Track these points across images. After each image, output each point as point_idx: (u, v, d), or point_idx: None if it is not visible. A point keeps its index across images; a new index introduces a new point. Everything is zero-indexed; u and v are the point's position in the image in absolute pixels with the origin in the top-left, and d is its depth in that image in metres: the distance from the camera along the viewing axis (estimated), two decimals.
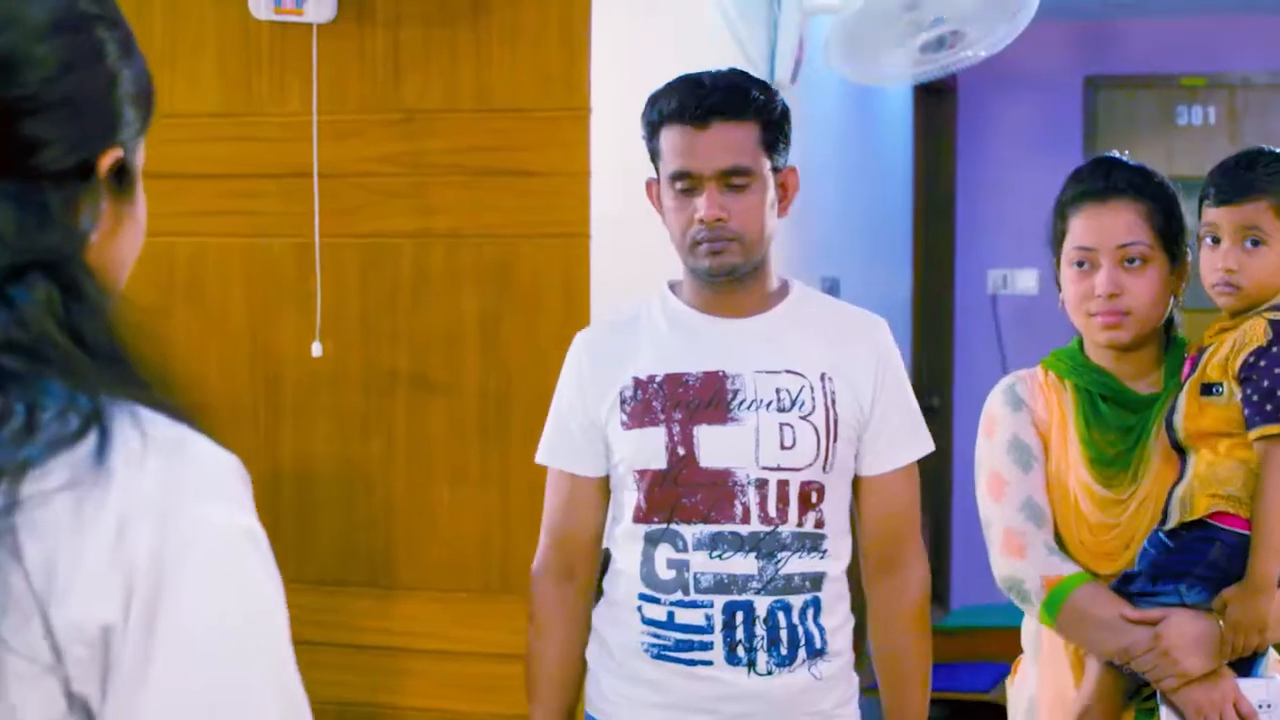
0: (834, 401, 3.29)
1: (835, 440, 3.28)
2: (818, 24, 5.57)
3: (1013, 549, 3.32)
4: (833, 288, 6.47)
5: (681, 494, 3.27)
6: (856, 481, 3.38)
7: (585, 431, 3.39)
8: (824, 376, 3.30)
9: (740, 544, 3.25)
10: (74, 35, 1.48)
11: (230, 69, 4.41)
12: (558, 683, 3.47)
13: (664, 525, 3.29)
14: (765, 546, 3.25)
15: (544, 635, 3.47)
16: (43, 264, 1.41)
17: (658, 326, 3.38)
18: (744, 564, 3.25)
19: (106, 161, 1.50)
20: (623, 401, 3.33)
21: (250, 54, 4.39)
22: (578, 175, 4.14)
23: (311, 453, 4.38)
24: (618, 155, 4.24)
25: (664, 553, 3.30)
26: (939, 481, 8.43)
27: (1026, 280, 9.08)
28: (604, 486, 3.42)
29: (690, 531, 3.27)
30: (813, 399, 3.28)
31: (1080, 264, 3.32)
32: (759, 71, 5.22)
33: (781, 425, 3.26)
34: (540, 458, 3.49)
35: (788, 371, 3.30)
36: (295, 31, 4.32)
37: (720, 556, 3.26)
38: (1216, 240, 3.24)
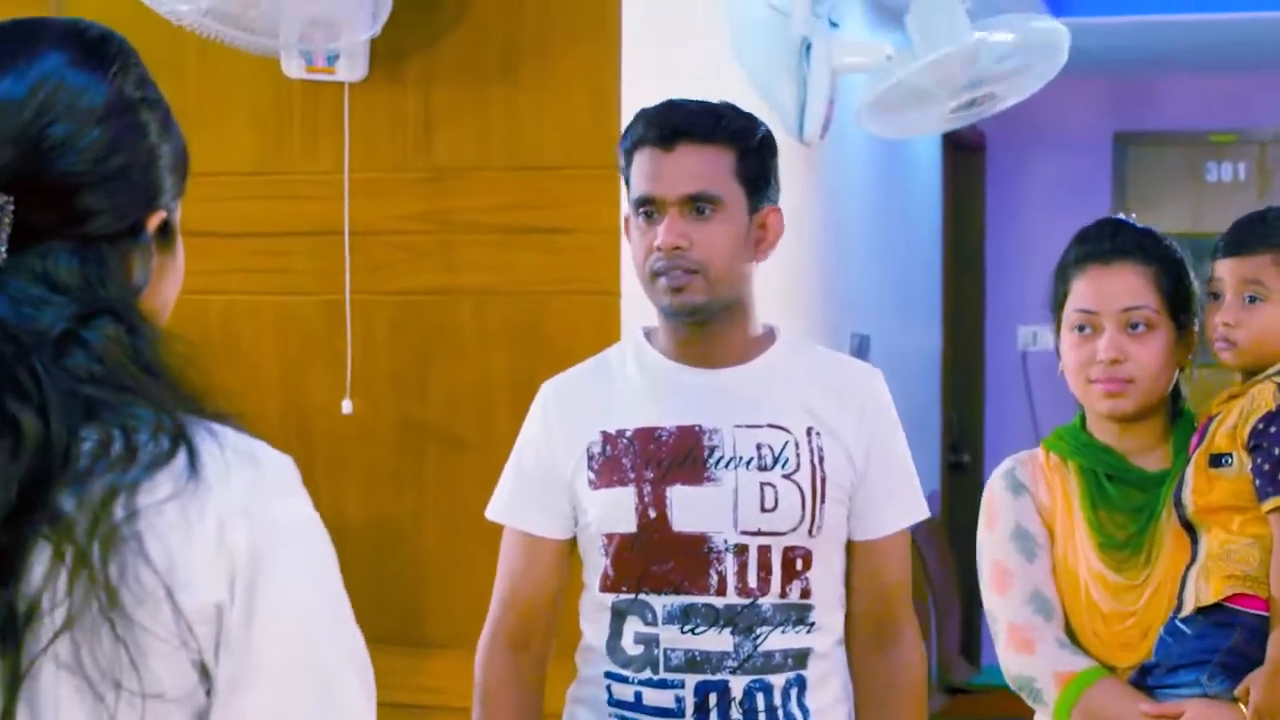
0: (821, 459, 2.99)
1: (823, 501, 2.98)
2: (847, 81, 5.58)
3: (1021, 645, 3.11)
4: (863, 344, 6.47)
5: (652, 561, 2.97)
6: (849, 547, 3.08)
7: (548, 488, 3.08)
8: (810, 431, 3.00)
9: (715, 618, 2.94)
10: (121, 119, 1.74)
11: (262, 128, 4.43)
12: None
13: (632, 595, 2.99)
14: (743, 621, 2.94)
15: (491, 708, 3.14)
16: (108, 310, 1.67)
17: (630, 376, 3.09)
18: (718, 640, 2.94)
19: (153, 223, 1.77)
20: (590, 458, 3.03)
21: (282, 113, 4.42)
22: (608, 232, 4.15)
23: (342, 509, 4.39)
24: None
25: (632, 625, 2.99)
26: (969, 536, 8.39)
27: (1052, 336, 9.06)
28: (564, 550, 3.12)
29: (660, 603, 2.96)
30: (797, 456, 2.98)
31: (1081, 328, 3.16)
32: (788, 128, 5.23)
33: (763, 485, 2.96)
34: (493, 513, 3.19)
35: (770, 426, 3.00)
36: (327, 90, 4.35)
37: (693, 631, 2.95)
38: (1218, 295, 3.12)
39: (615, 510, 2.99)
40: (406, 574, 4.35)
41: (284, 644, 1.67)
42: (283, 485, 1.75)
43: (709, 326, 3.02)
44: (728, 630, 2.95)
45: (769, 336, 3.12)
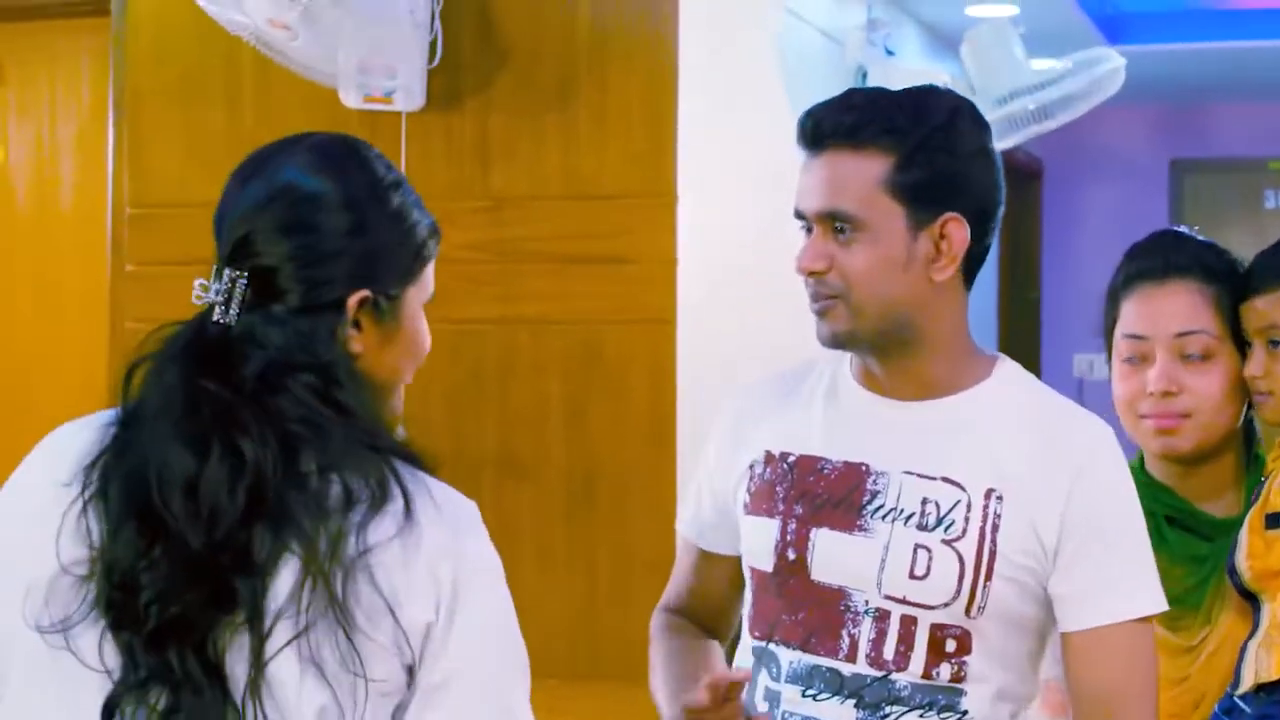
0: (995, 528, 2.48)
1: (989, 579, 2.47)
2: None
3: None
4: None
5: (784, 608, 2.57)
6: (1063, 640, 2.55)
7: (718, 502, 2.72)
8: (990, 494, 2.49)
9: (839, 685, 2.52)
10: (328, 217, 2.11)
11: None
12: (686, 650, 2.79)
13: (764, 643, 2.60)
14: (870, 695, 2.50)
15: (654, 644, 2.85)
16: (308, 367, 2.04)
17: (815, 396, 2.66)
18: (840, 711, 2.52)
19: (353, 301, 2.09)
20: (750, 478, 2.65)
21: None
22: (665, 261, 4.15)
23: None
24: (705, 241, 4.25)
25: (762, 679, 2.61)
26: None
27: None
28: (738, 566, 2.72)
29: (787, 657, 2.57)
30: (966, 520, 2.48)
31: (1130, 357, 2.80)
32: None
33: (917, 547, 2.49)
34: (677, 521, 2.86)
35: (944, 480, 2.51)
36: (384, 120, 4.36)
37: (814, 697, 2.54)
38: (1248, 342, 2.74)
39: (758, 542, 2.62)
40: None
41: (473, 655, 2.06)
42: (474, 528, 2.12)
43: (883, 356, 2.57)
44: (851, 703, 2.52)
45: (984, 368, 2.61)
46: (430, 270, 2.23)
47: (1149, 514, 2.63)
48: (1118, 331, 2.83)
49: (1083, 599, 2.48)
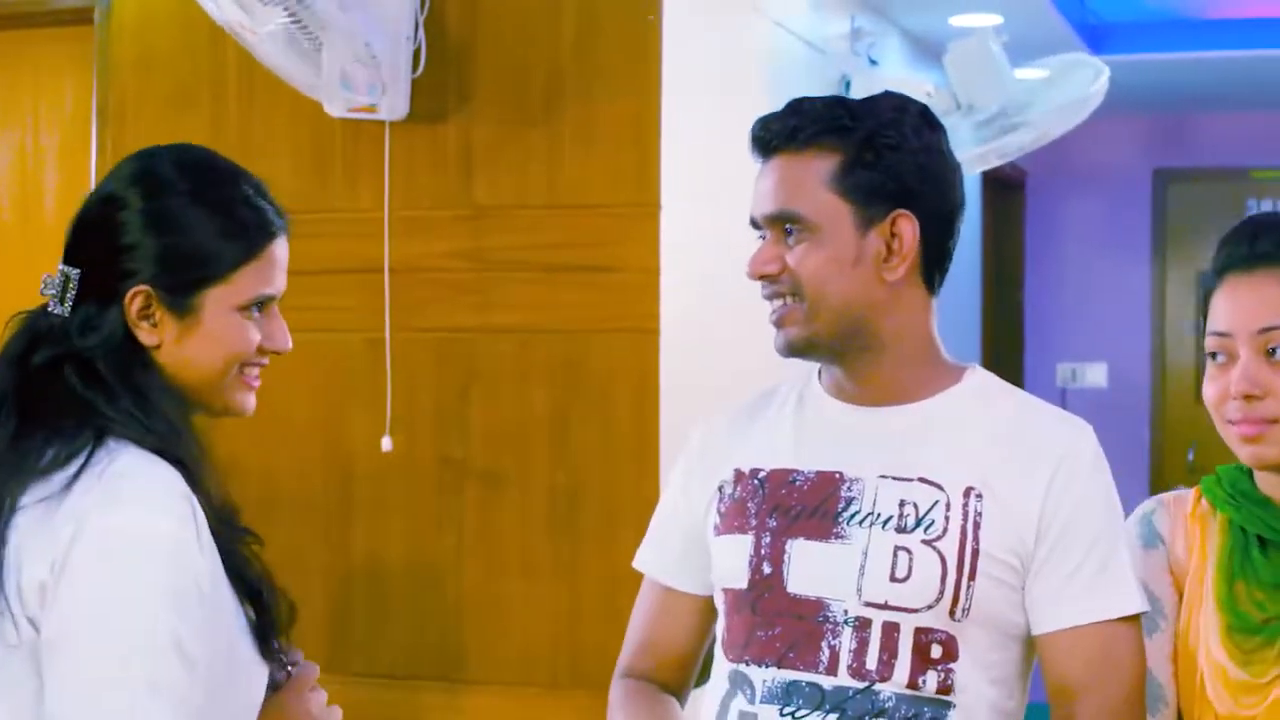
0: (976, 526, 2.41)
1: (972, 578, 2.40)
2: None
3: None
4: None
5: (758, 625, 2.48)
6: (1036, 645, 2.49)
7: (687, 535, 2.65)
8: (969, 492, 2.43)
9: (819, 700, 2.42)
10: (100, 214, 2.29)
11: (304, 165, 4.45)
12: None
13: (736, 665, 2.51)
14: (853, 709, 2.40)
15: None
16: (73, 355, 2.23)
17: (786, 411, 2.62)
18: None
19: (129, 296, 2.23)
20: (720, 498, 2.59)
21: (323, 151, 4.44)
22: (648, 271, 4.15)
23: (382, 546, 4.40)
24: (688, 251, 4.26)
25: (737, 703, 2.50)
26: None
27: (1096, 374, 9.05)
28: (708, 608, 2.65)
29: (760, 677, 2.47)
30: (946, 520, 2.42)
31: (1215, 355, 2.48)
32: None
33: (896, 549, 2.42)
34: (635, 560, 2.78)
35: (921, 480, 2.45)
36: (368, 129, 4.36)
37: (793, 714, 2.44)
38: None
39: (731, 561, 2.53)
40: (446, 611, 4.35)
41: (81, 619, 2.08)
42: (136, 501, 2.13)
43: (847, 364, 2.54)
44: (834, 717, 2.41)
45: (954, 375, 2.58)
46: (254, 270, 2.31)
47: (1240, 531, 2.48)
48: (1208, 327, 2.51)
49: (1054, 599, 2.42)
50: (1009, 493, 2.44)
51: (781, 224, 2.49)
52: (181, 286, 2.25)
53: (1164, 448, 9.01)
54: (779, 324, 2.51)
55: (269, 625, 2.29)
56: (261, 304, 2.34)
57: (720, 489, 2.59)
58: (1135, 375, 9.05)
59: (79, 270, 2.26)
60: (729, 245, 4.56)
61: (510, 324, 4.30)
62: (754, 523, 2.52)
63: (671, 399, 4.17)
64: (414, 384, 4.38)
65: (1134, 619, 2.46)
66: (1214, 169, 9.35)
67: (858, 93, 5.34)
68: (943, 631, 2.41)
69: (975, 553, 2.41)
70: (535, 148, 4.28)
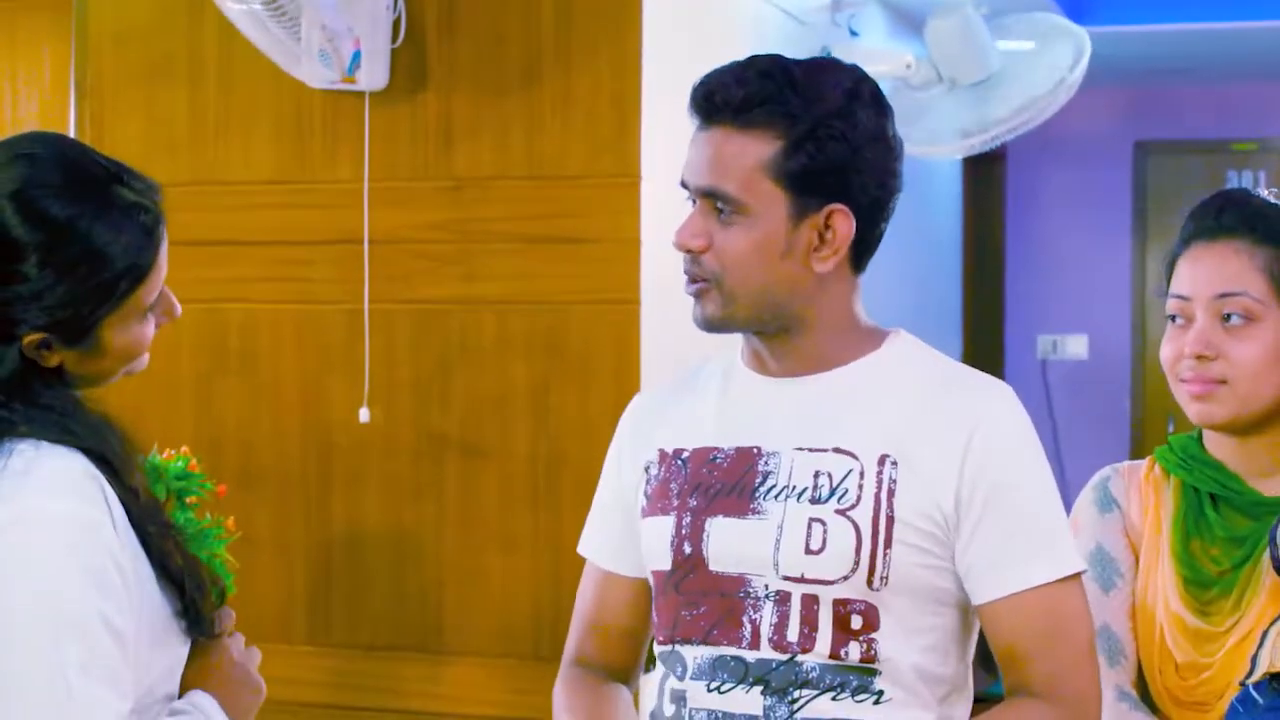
0: (890, 494, 2.37)
1: (888, 546, 2.36)
2: None
3: None
4: None
5: (683, 604, 2.46)
6: (979, 615, 2.44)
7: (624, 518, 2.62)
8: (884, 460, 2.39)
9: (743, 674, 2.40)
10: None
11: (283, 137, 4.44)
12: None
13: (669, 646, 2.49)
14: (776, 681, 2.38)
15: (558, 707, 2.68)
16: None
17: (709, 388, 2.57)
18: (745, 701, 2.40)
19: (26, 344, 2.18)
20: (647, 480, 2.56)
21: (303, 122, 4.43)
22: (628, 242, 4.15)
23: (362, 518, 4.39)
24: (668, 222, 4.22)
25: (669, 682, 2.49)
26: None
27: (1076, 346, 9.05)
28: (642, 589, 2.63)
29: (691, 655, 2.45)
30: (860, 488, 2.38)
31: (1173, 318, 2.64)
32: None
33: (810, 521, 2.38)
34: (579, 545, 2.76)
35: (835, 450, 2.41)
36: (347, 100, 4.35)
37: (719, 690, 2.42)
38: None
39: (656, 542, 2.50)
40: (425, 582, 4.35)
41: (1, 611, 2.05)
42: (39, 487, 2.10)
43: (765, 337, 2.49)
44: (758, 690, 2.39)
45: (874, 341, 2.51)
46: (147, 283, 2.23)
47: (1192, 491, 2.63)
48: (1170, 290, 2.66)
49: (988, 569, 2.37)
50: (924, 459, 2.38)
51: (713, 200, 2.41)
52: (79, 330, 2.21)
53: (1144, 418, 9.02)
54: (695, 298, 2.46)
55: (193, 612, 2.25)
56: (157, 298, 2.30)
57: (646, 470, 2.57)
58: (1116, 347, 9.07)
59: None
60: None
61: (490, 295, 4.30)
62: (675, 503, 2.48)
63: (652, 370, 4.17)
64: (393, 356, 4.37)
65: (1075, 578, 2.40)
66: (1194, 141, 9.35)
67: None
68: (861, 601, 2.37)
69: (890, 520, 2.36)
70: (515, 119, 4.28)
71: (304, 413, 4.44)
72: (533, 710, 4.24)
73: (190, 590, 2.24)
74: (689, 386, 2.61)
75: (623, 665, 2.67)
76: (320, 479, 4.44)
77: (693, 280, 2.45)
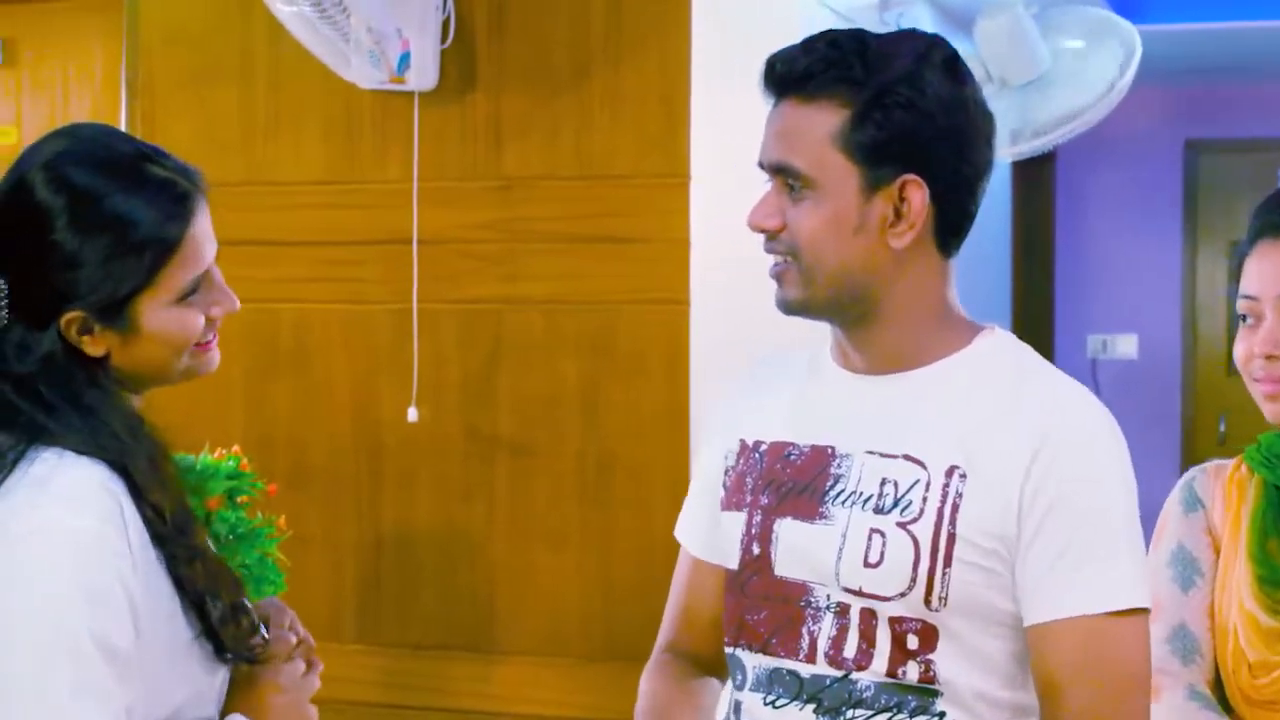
0: (955, 509, 2.22)
1: (947, 565, 2.21)
2: None
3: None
4: None
5: (747, 608, 2.36)
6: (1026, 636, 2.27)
7: (710, 504, 2.50)
8: (952, 471, 2.23)
9: (797, 689, 2.30)
10: (26, 233, 2.18)
11: (333, 137, 4.45)
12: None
13: (731, 649, 2.39)
14: (829, 699, 2.27)
15: (642, 703, 2.56)
16: (7, 374, 2.18)
17: (796, 377, 2.46)
18: (799, 717, 2.30)
19: (64, 323, 2.18)
20: (727, 471, 2.46)
21: (353, 123, 4.44)
22: (678, 242, 4.15)
23: (411, 518, 4.40)
24: (718, 222, 4.25)
25: (729, 690, 2.42)
26: None
27: (1126, 345, 9.02)
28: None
29: (750, 663, 2.36)
30: (923, 501, 2.23)
31: (1244, 317, 2.57)
32: None
33: (871, 532, 2.25)
34: (676, 528, 2.63)
35: (905, 457, 2.27)
36: (397, 101, 4.36)
37: (774, 705, 2.32)
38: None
39: (728, 539, 2.40)
40: (475, 581, 4.36)
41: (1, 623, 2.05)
42: (55, 498, 2.10)
43: (846, 327, 2.37)
44: (811, 708, 2.29)
45: (964, 338, 2.36)
46: (179, 261, 2.22)
47: (1275, 490, 2.55)
48: (1239, 291, 2.58)
49: (1035, 589, 2.20)
50: (992, 471, 2.22)
51: (784, 177, 2.29)
52: (112, 306, 2.19)
53: (1195, 419, 8.98)
54: (777, 281, 2.34)
55: (214, 635, 2.22)
56: (196, 282, 2.27)
57: (727, 458, 2.46)
58: (1166, 347, 9.03)
59: (5, 282, 2.21)
60: None
61: (539, 295, 4.30)
62: (749, 499, 2.37)
63: (702, 369, 4.17)
64: (442, 355, 4.38)
65: (1131, 614, 2.20)
66: (1245, 140, 9.30)
67: None
68: (918, 620, 2.23)
69: (951, 537, 2.21)
70: (564, 118, 4.28)
71: (353, 412, 4.45)
72: (582, 709, 4.24)
73: (211, 614, 2.21)
74: (778, 375, 2.50)
75: (712, 655, 2.52)
76: (370, 478, 4.44)
77: (772, 258, 2.34)
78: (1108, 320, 9.10)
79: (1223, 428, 8.78)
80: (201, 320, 2.27)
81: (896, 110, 2.24)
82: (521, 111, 4.31)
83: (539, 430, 4.30)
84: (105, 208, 2.18)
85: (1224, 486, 2.63)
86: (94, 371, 2.22)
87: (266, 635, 2.36)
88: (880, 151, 2.25)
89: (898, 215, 2.27)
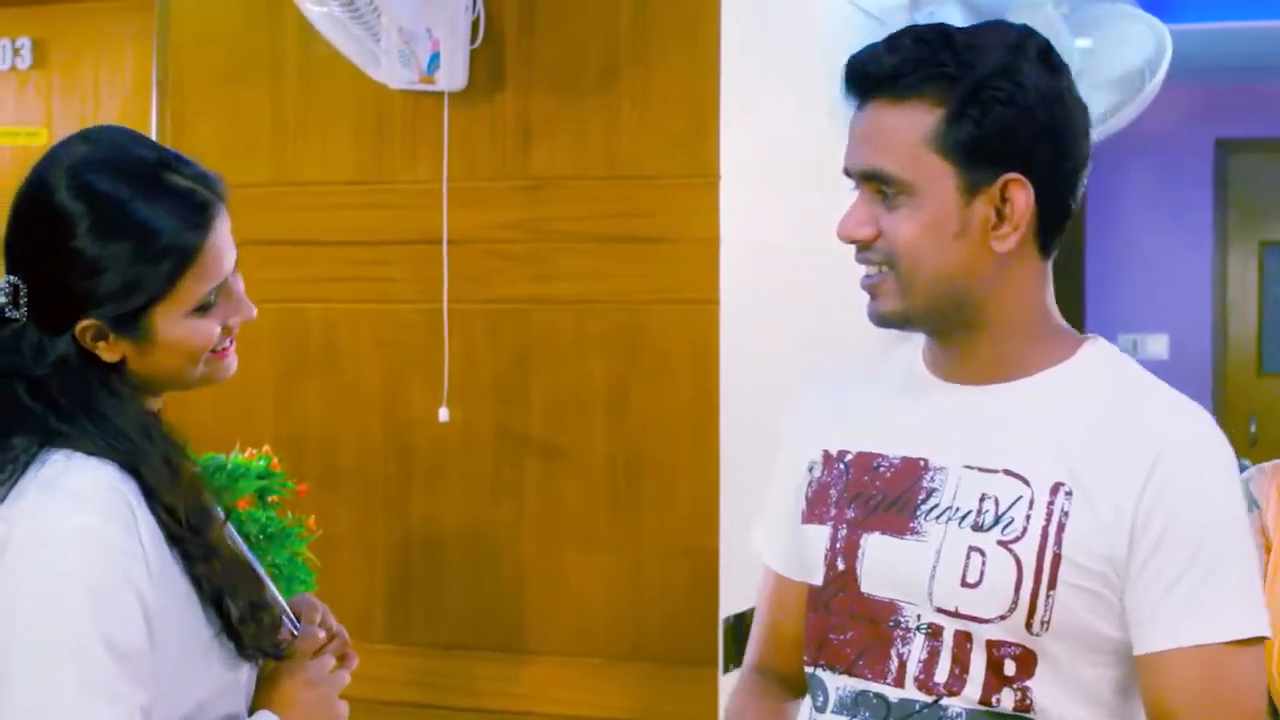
0: (1061, 528, 2.12)
1: (1052, 587, 2.11)
2: None
3: None
4: None
5: (831, 627, 2.26)
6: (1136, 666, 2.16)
7: (788, 517, 2.40)
8: (1057, 489, 2.13)
9: (884, 714, 2.20)
10: (45, 237, 2.20)
11: (362, 137, 4.46)
12: None
13: (812, 668, 2.30)
14: None
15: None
16: (22, 373, 2.19)
17: (882, 383, 2.36)
18: None
19: (79, 330, 2.19)
20: (809, 482, 2.36)
21: (382, 122, 4.44)
22: (707, 242, 4.14)
23: (441, 518, 4.40)
24: (747, 221, 4.25)
25: (807, 711, 2.33)
26: None
27: (1157, 345, 9.00)
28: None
29: (833, 684, 2.26)
30: (1027, 518, 2.13)
31: None
32: None
33: (970, 550, 2.15)
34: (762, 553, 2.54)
35: (1006, 472, 2.16)
36: (427, 101, 4.36)
37: None
38: None
39: (811, 553, 2.31)
40: (504, 582, 4.36)
41: (5, 614, 2.07)
42: (64, 498, 2.11)
43: (945, 337, 2.27)
44: None
45: (1067, 349, 2.28)
46: (195, 273, 2.21)
47: None
48: None
49: (1149, 617, 2.10)
50: (1101, 490, 2.11)
51: (876, 183, 2.17)
52: (127, 316, 2.20)
53: (1225, 420, 8.96)
54: (871, 293, 2.22)
55: (234, 633, 2.22)
56: (215, 292, 2.27)
57: (810, 470, 2.35)
58: (1196, 346, 9.01)
59: (24, 282, 2.23)
60: (788, 215, 4.56)
61: (568, 295, 4.30)
62: (833, 512, 2.28)
63: (731, 370, 4.17)
64: (472, 355, 4.38)
65: (1250, 643, 2.11)
66: (1276, 139, 9.28)
67: None
68: (1017, 645, 2.13)
69: (1057, 558, 2.11)
70: (593, 118, 4.28)
71: (384, 412, 4.46)
72: (611, 710, 4.24)
73: (230, 612, 2.21)
74: (863, 381, 2.40)
75: (800, 674, 2.40)
76: (400, 478, 4.45)
77: (866, 269, 2.22)
78: (1138, 320, 9.09)
79: (1253, 428, 8.76)
80: (218, 330, 2.27)
81: (995, 106, 2.13)
82: (550, 112, 4.31)
83: (568, 430, 4.30)
84: (125, 216, 2.18)
85: (1278, 487, 2.62)
86: (108, 376, 2.23)
87: (297, 630, 2.37)
88: (979, 150, 2.14)
89: (999, 217, 2.17)
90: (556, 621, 4.31)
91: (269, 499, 3.79)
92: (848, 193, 2.25)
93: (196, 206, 2.21)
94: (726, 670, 4.08)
